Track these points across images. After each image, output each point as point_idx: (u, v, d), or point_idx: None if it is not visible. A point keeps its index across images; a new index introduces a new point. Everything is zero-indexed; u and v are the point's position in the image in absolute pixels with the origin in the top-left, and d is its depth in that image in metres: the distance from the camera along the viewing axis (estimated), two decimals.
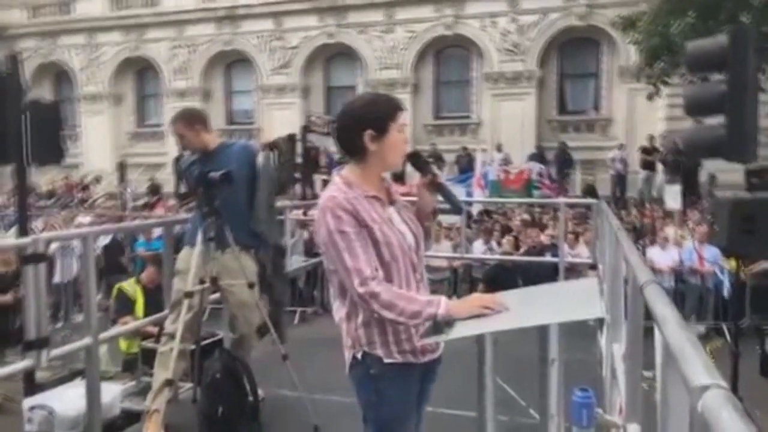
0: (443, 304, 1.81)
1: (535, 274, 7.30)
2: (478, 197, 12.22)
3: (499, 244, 9.20)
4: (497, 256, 8.59)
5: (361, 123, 1.92)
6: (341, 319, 1.96)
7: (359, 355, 1.92)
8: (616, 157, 15.50)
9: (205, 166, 3.41)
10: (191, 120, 3.58)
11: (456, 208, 2.17)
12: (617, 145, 15.90)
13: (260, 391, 3.70)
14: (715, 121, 4.25)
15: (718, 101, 4.04)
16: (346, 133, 1.96)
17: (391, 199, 2.02)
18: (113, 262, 8.88)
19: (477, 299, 1.87)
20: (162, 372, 3.36)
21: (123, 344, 5.52)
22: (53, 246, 7.07)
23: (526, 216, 10.73)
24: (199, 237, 3.32)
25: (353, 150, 1.95)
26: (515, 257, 8.43)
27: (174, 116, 3.70)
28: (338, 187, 1.91)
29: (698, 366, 0.92)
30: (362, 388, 1.95)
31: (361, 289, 1.80)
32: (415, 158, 2.03)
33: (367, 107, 1.95)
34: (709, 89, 4.34)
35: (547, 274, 6.80)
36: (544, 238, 8.84)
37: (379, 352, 1.90)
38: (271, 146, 3.61)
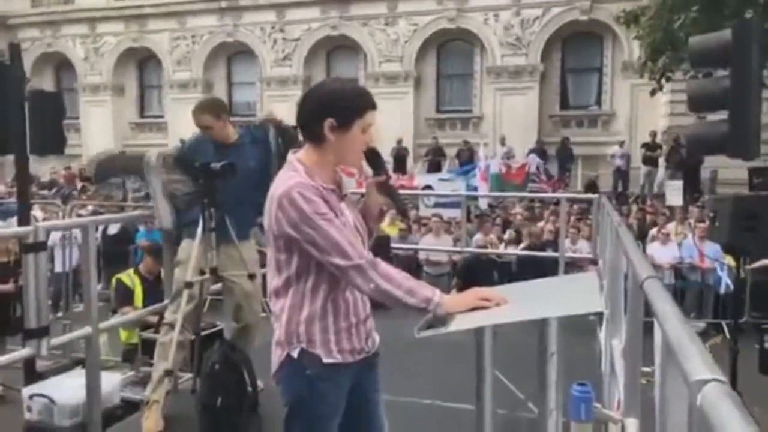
0: (438, 293, 1.79)
1: (535, 268, 7.30)
2: (483, 191, 12.25)
3: (499, 238, 9.19)
4: (498, 251, 8.58)
5: (324, 109, 1.81)
6: (282, 310, 1.86)
7: (295, 354, 1.83)
8: (617, 153, 15.45)
9: (230, 159, 3.32)
10: (218, 109, 3.45)
11: (401, 211, 2.10)
12: (618, 142, 15.85)
13: (259, 383, 3.70)
14: (718, 117, 4.24)
15: (722, 97, 4.03)
16: (306, 115, 1.85)
17: (343, 194, 1.92)
18: (122, 252, 8.90)
19: (474, 293, 1.83)
20: (161, 362, 3.36)
21: (123, 334, 5.54)
22: (54, 235, 7.07)
23: (522, 211, 10.73)
24: (200, 228, 3.31)
25: (311, 134, 1.85)
26: (516, 251, 8.42)
27: (199, 107, 3.51)
28: (300, 174, 1.81)
29: (698, 361, 0.92)
30: (292, 387, 1.86)
31: (360, 260, 1.74)
32: (372, 156, 1.91)
33: (335, 95, 1.83)
34: (713, 85, 4.33)
35: (548, 269, 6.80)
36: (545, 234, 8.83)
37: (319, 351, 1.83)
38: (279, 128, 3.53)
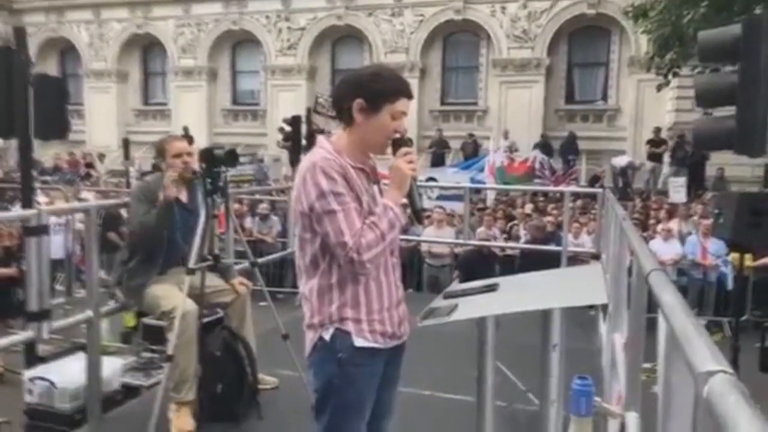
0: (391, 202, 1.80)
1: (537, 262, 7.29)
2: (491, 185, 12.27)
3: (501, 231, 9.18)
4: (500, 243, 8.58)
5: (356, 89, 1.83)
6: (311, 291, 1.85)
7: (327, 336, 1.83)
8: (619, 163, 14.82)
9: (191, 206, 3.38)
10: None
11: (415, 213, 1.95)
12: (630, 159, 15.04)
13: (273, 378, 3.70)
14: (725, 113, 4.21)
15: (729, 92, 4.00)
16: (340, 93, 1.89)
17: (376, 179, 1.94)
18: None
19: (397, 166, 1.83)
20: (183, 361, 3.18)
21: (126, 318, 5.52)
22: (53, 220, 7.07)
23: (530, 205, 10.72)
24: (202, 214, 3.28)
25: (342, 113, 1.87)
26: (518, 245, 8.42)
27: (173, 136, 3.57)
28: (327, 151, 1.83)
29: (705, 352, 0.91)
30: (324, 371, 1.85)
31: (352, 254, 1.73)
32: (400, 145, 1.88)
33: (370, 76, 1.85)
34: (721, 80, 4.30)
35: (550, 263, 6.79)
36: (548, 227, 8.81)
37: (351, 328, 1.82)
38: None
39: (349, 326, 1.82)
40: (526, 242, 8.41)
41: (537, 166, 13.32)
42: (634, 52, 16.49)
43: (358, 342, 1.82)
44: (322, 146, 1.86)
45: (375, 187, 1.92)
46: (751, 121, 3.94)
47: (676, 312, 1.16)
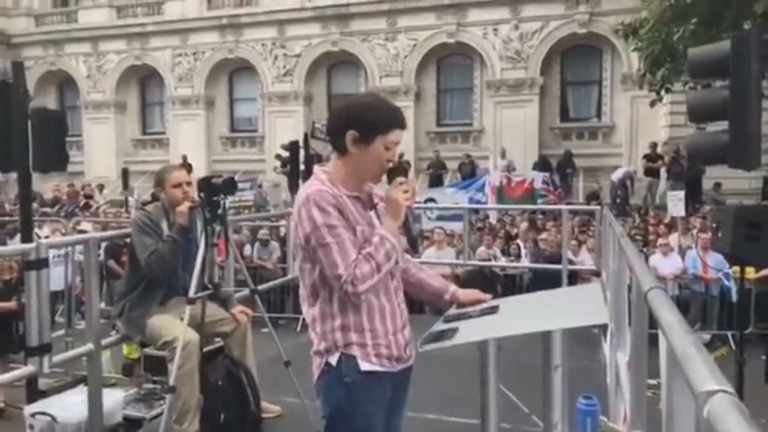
0: (387, 233, 1.81)
1: (540, 280, 7.28)
2: (491, 204, 12.35)
3: (502, 251, 9.17)
4: (501, 263, 8.56)
5: (348, 121, 1.84)
6: (314, 319, 1.88)
7: (334, 361, 1.84)
8: (617, 176, 14.92)
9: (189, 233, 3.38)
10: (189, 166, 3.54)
11: (411, 241, 2.04)
12: (626, 169, 15.25)
13: (276, 407, 3.66)
14: (719, 127, 4.25)
15: (721, 107, 4.03)
16: (333, 124, 1.90)
17: (372, 204, 1.96)
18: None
19: (393, 197, 1.85)
20: (185, 392, 3.18)
21: (125, 349, 5.50)
22: (53, 252, 7.06)
23: (525, 223, 10.73)
24: (202, 243, 3.29)
25: (336, 143, 1.88)
26: (518, 264, 8.41)
27: (172, 165, 3.60)
28: (322, 182, 1.84)
29: (704, 371, 0.91)
30: (332, 396, 1.86)
31: (347, 286, 1.76)
32: (395, 173, 1.91)
33: (363, 108, 1.86)
34: (712, 95, 4.34)
35: (552, 281, 6.78)
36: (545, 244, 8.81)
37: (356, 353, 1.83)
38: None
39: (355, 350, 1.84)
40: (546, 258, 8.34)
41: (538, 186, 13.35)
42: (627, 70, 16.67)
43: (364, 366, 1.83)
44: (317, 177, 1.87)
45: (371, 213, 1.93)
46: (744, 135, 3.97)
47: (675, 330, 1.16)
